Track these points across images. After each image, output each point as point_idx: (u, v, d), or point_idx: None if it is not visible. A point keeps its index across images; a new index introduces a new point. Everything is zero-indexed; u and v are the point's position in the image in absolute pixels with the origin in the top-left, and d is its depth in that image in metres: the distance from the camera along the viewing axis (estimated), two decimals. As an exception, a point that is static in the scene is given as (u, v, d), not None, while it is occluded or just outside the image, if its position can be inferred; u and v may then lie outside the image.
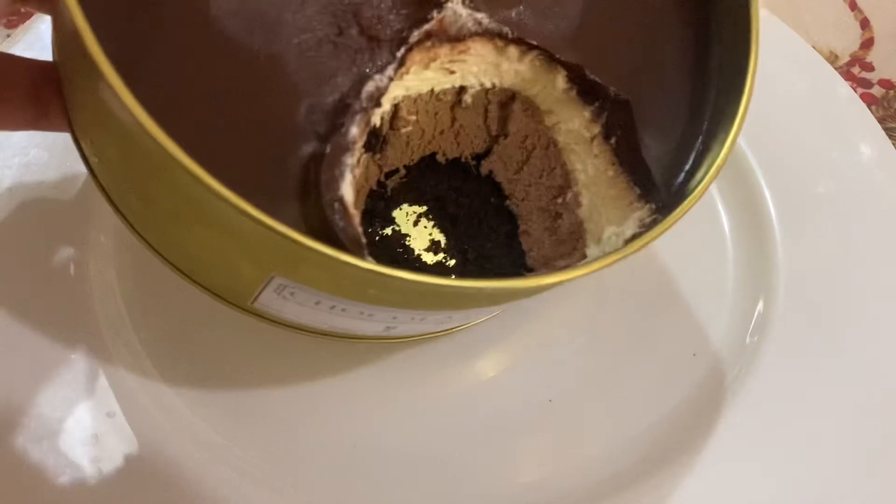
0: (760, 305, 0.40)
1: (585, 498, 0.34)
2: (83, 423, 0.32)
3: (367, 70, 0.25)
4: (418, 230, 0.33)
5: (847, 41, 0.55)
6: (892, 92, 0.53)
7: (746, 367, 0.38)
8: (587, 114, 0.29)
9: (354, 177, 0.23)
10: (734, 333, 0.39)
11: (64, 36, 0.23)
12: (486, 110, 0.31)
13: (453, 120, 0.31)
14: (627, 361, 0.37)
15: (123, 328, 0.35)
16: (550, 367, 0.37)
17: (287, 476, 0.33)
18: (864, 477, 0.35)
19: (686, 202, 0.25)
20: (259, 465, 0.33)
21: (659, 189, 0.27)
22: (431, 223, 0.33)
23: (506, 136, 0.32)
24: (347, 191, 0.23)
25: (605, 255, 0.25)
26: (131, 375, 0.34)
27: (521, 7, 0.28)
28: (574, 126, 0.30)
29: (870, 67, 0.54)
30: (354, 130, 0.24)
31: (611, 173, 0.29)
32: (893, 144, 0.44)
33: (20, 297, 0.34)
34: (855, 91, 0.47)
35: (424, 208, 0.34)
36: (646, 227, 0.27)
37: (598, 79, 0.28)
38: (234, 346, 0.35)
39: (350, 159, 0.23)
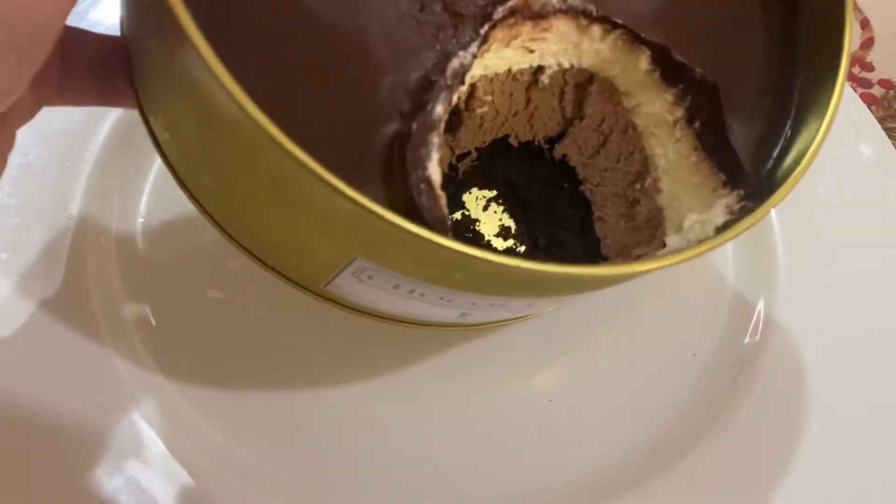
0: (760, 305, 0.40)
1: (586, 498, 0.34)
2: (83, 422, 0.32)
3: (451, 47, 0.24)
4: (488, 215, 0.32)
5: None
6: (892, 92, 0.53)
7: (746, 367, 0.38)
8: (670, 96, 0.28)
9: (440, 156, 0.22)
10: (734, 333, 0.39)
11: (141, 5, 0.22)
12: (563, 91, 0.30)
13: (528, 101, 0.30)
14: (627, 361, 0.38)
15: (123, 328, 0.35)
16: (551, 367, 0.37)
17: (289, 477, 0.33)
18: (865, 476, 0.35)
19: (782, 187, 0.24)
20: (261, 467, 0.33)
21: (747, 175, 0.26)
22: (501, 208, 0.33)
23: (581, 118, 0.31)
24: (434, 170, 0.22)
25: (698, 242, 0.24)
26: (131, 376, 0.34)
27: None
28: (655, 109, 0.29)
29: (870, 67, 0.54)
30: (440, 108, 0.23)
31: (693, 159, 0.28)
32: (893, 144, 0.44)
33: (20, 296, 0.34)
34: (855, 91, 0.48)
35: (495, 193, 0.33)
36: (735, 215, 0.26)
37: (683, 60, 0.27)
38: (236, 346, 0.35)
39: (436, 138, 0.22)
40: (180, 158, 0.25)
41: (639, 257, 0.30)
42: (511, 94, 0.30)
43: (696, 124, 0.28)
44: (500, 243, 0.32)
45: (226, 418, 0.34)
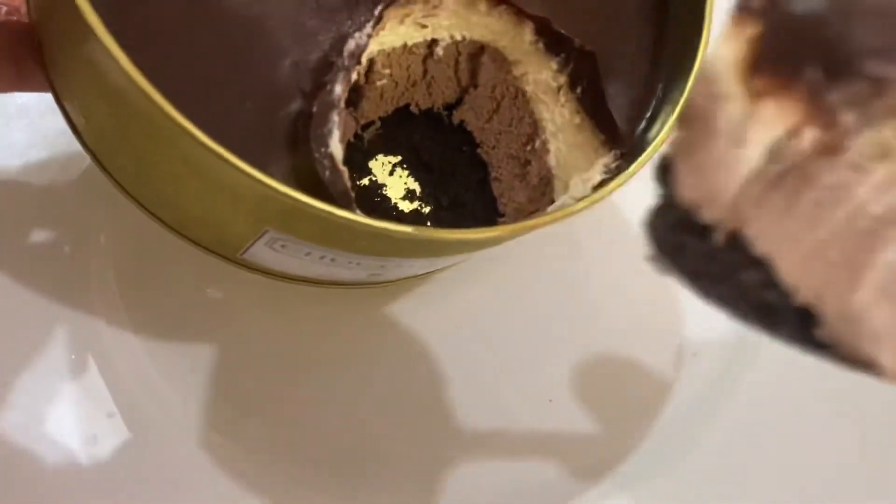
0: None
1: (586, 498, 0.34)
2: (82, 423, 0.33)
3: (347, 28, 0.26)
4: (394, 179, 0.35)
5: None
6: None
7: (746, 366, 0.38)
8: (554, 65, 0.30)
9: (341, 133, 0.25)
10: (734, 333, 0.39)
11: None
12: (457, 62, 0.32)
13: (425, 72, 0.32)
14: (627, 361, 0.38)
15: (123, 328, 0.35)
16: (550, 367, 0.37)
17: (289, 476, 0.34)
18: (865, 476, 0.36)
19: (649, 149, 0.27)
20: (261, 467, 0.34)
21: (622, 136, 0.29)
22: (406, 172, 0.35)
23: (476, 86, 0.33)
24: (336, 147, 0.24)
25: (574, 201, 0.27)
26: (131, 376, 0.34)
27: None
28: (541, 76, 0.31)
29: None
30: (339, 88, 0.25)
31: (577, 121, 0.31)
32: None
33: (19, 297, 0.34)
34: None
35: (399, 158, 0.35)
36: (611, 173, 0.28)
37: (564, 31, 0.29)
38: (236, 346, 0.36)
39: (336, 116, 0.24)
40: (97, 142, 0.27)
41: (531, 214, 0.32)
42: (408, 67, 0.32)
43: (578, 90, 0.30)
44: (406, 205, 0.34)
45: (225, 418, 0.34)
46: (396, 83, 0.32)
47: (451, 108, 0.34)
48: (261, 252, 0.26)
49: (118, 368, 0.34)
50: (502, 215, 0.34)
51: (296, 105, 0.25)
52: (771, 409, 0.37)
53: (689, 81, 0.28)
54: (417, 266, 0.29)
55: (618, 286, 0.39)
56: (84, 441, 0.32)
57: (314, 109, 0.24)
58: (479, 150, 0.34)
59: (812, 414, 0.37)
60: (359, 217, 0.21)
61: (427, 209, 0.34)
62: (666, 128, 0.28)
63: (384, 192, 0.34)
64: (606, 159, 0.29)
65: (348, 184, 0.24)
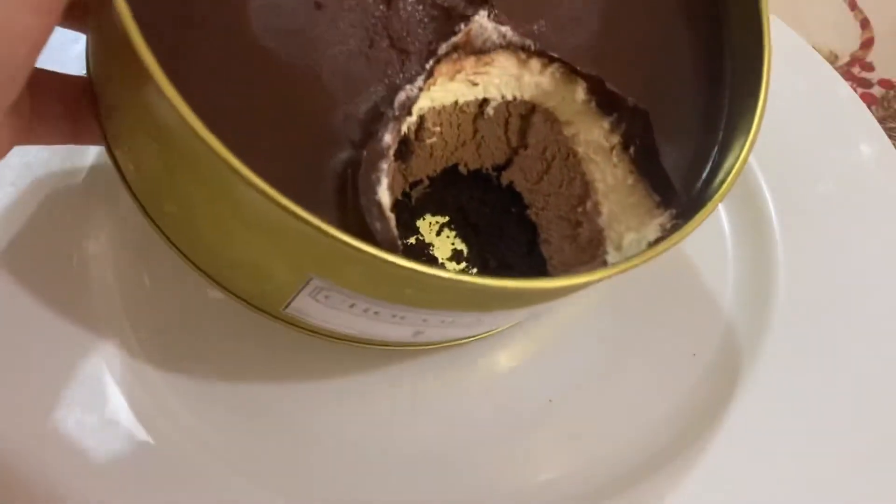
0: (761, 305, 0.40)
1: (586, 498, 0.34)
2: (83, 424, 0.32)
3: (398, 81, 0.26)
4: (441, 240, 0.34)
5: (847, 41, 0.55)
6: (892, 92, 0.54)
7: (746, 367, 0.38)
8: (606, 124, 0.30)
9: (389, 182, 0.24)
10: (734, 333, 0.39)
11: (107, 46, 0.24)
12: (507, 122, 0.32)
13: (475, 131, 0.32)
14: (627, 361, 0.37)
15: (123, 329, 0.35)
16: (550, 367, 0.37)
17: (289, 476, 0.33)
18: (865, 476, 0.35)
19: (707, 206, 0.26)
20: (259, 465, 0.33)
21: (678, 195, 0.28)
22: (454, 233, 0.34)
23: (526, 147, 0.33)
24: (384, 194, 0.24)
25: (628, 258, 0.26)
26: (131, 376, 0.34)
27: (543, 21, 0.29)
28: (593, 136, 0.31)
29: (870, 67, 0.55)
30: (388, 137, 0.25)
31: (630, 181, 0.30)
32: (893, 144, 0.44)
33: (19, 297, 0.34)
34: (855, 91, 0.48)
35: (447, 218, 0.34)
36: (668, 232, 0.28)
37: (616, 90, 0.29)
38: (235, 346, 0.35)
39: (385, 164, 0.24)
40: (144, 189, 0.27)
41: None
42: (459, 125, 0.31)
43: (631, 150, 0.30)
44: (453, 266, 0.34)
45: (226, 418, 0.34)
46: (446, 142, 0.32)
47: (499, 168, 0.34)
48: (305, 305, 0.26)
49: (118, 368, 0.33)
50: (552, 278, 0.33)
51: (345, 153, 0.24)
52: (771, 408, 0.36)
53: (749, 136, 0.27)
54: (461, 324, 0.28)
55: (617, 287, 0.37)
56: (85, 442, 0.32)
57: (364, 156, 0.24)
58: (528, 212, 0.34)
59: (812, 414, 0.36)
60: (403, 260, 0.21)
61: (474, 271, 0.34)
62: (724, 186, 0.27)
63: (431, 252, 0.34)
64: (662, 219, 0.28)
65: (395, 231, 0.23)
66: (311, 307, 0.26)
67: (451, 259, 0.34)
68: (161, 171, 0.25)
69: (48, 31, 0.18)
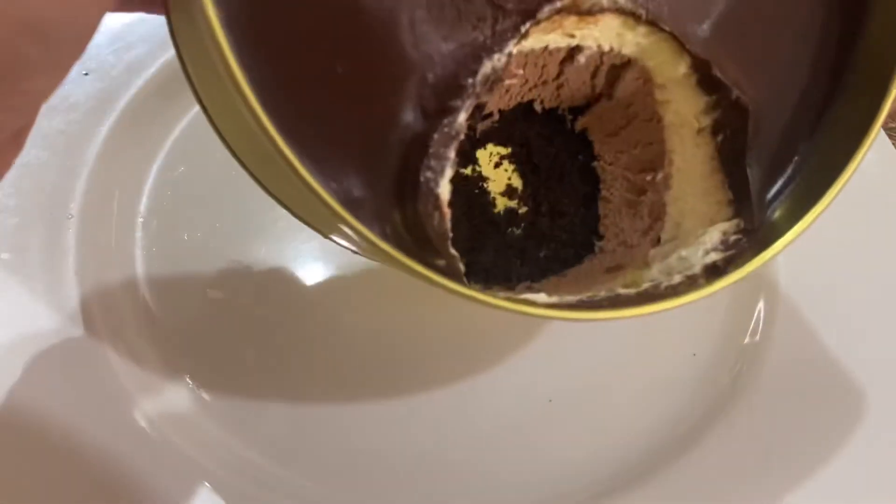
0: (760, 305, 0.40)
1: (586, 498, 0.34)
2: (81, 423, 0.33)
3: (488, 41, 0.24)
4: (498, 172, 0.32)
5: None
6: None
7: (746, 367, 0.38)
8: (702, 103, 0.27)
9: (454, 171, 0.23)
10: (734, 333, 0.39)
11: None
12: (597, 69, 0.29)
13: (560, 73, 0.29)
14: (627, 361, 0.38)
15: (123, 328, 0.35)
16: (550, 367, 0.37)
17: (286, 475, 0.34)
18: (865, 476, 0.35)
19: (778, 243, 0.25)
20: (260, 464, 0.34)
21: (751, 205, 0.27)
22: (513, 167, 0.33)
23: (610, 97, 0.30)
24: (445, 187, 0.22)
25: (682, 276, 0.25)
26: (130, 375, 0.34)
27: None
28: (685, 110, 0.28)
29: None
30: (462, 118, 0.23)
31: (708, 167, 0.28)
32: (893, 144, 0.43)
33: (20, 296, 0.34)
34: None
35: (509, 150, 0.33)
36: (728, 249, 0.26)
37: (722, 77, 0.26)
38: (235, 346, 0.36)
39: (452, 152, 0.22)
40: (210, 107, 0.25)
41: (632, 247, 0.30)
42: (544, 66, 0.29)
43: (719, 138, 0.27)
44: (503, 202, 0.32)
45: (225, 417, 0.34)
46: (526, 81, 0.29)
47: (576, 112, 0.31)
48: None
49: (117, 368, 0.34)
50: (601, 237, 0.32)
51: (414, 126, 0.23)
52: (771, 409, 0.37)
53: (842, 177, 0.25)
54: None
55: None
56: (86, 444, 0.32)
57: (434, 137, 0.22)
58: (594, 163, 0.32)
59: (812, 414, 0.37)
60: (459, 286, 0.20)
61: (523, 210, 0.33)
62: (803, 221, 0.25)
63: (484, 186, 0.32)
64: (727, 226, 0.27)
65: (448, 225, 0.22)
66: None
67: (503, 194, 0.32)
68: (216, 104, 0.23)
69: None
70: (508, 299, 0.21)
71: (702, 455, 0.35)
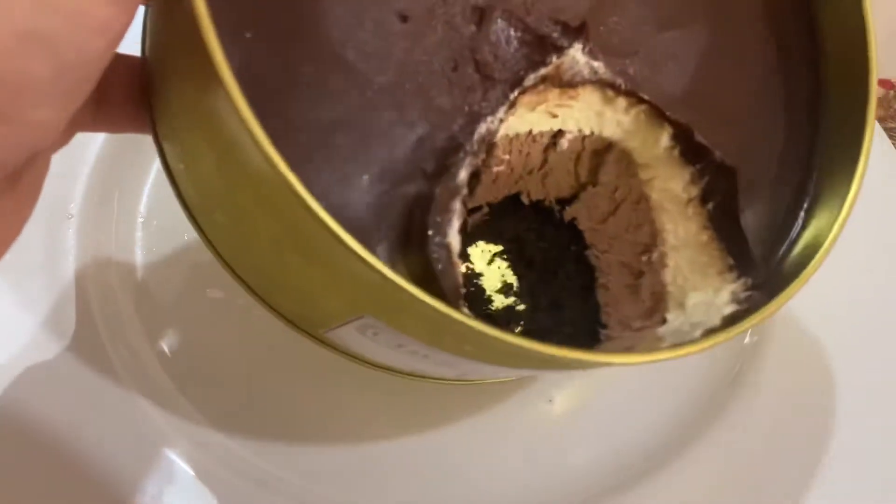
0: None
1: (586, 498, 0.34)
2: (78, 418, 0.32)
3: (480, 109, 0.24)
4: (491, 269, 0.32)
5: None
6: (892, 92, 0.54)
7: (746, 367, 0.38)
8: (687, 175, 0.28)
9: (461, 224, 0.22)
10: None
11: (172, 35, 0.22)
12: (580, 156, 0.30)
13: (544, 162, 0.30)
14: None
15: (122, 328, 0.35)
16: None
17: (285, 475, 0.33)
18: (865, 476, 0.35)
19: (792, 285, 0.24)
20: (257, 464, 0.33)
21: (755, 264, 0.26)
22: (506, 264, 0.32)
23: (595, 184, 0.31)
24: (454, 237, 0.22)
25: (700, 326, 0.25)
26: (129, 375, 0.34)
27: (637, 58, 0.27)
28: (671, 185, 0.29)
29: None
30: (463, 174, 0.23)
31: (703, 238, 0.28)
32: (893, 144, 0.44)
33: (20, 296, 0.34)
34: None
35: (501, 248, 0.32)
36: (741, 304, 0.26)
37: (705, 142, 0.27)
38: (235, 346, 0.36)
39: (458, 205, 0.22)
40: (193, 192, 0.25)
41: (638, 330, 0.30)
42: (528, 154, 0.29)
43: (710, 206, 0.28)
44: (500, 300, 0.32)
45: (224, 417, 0.34)
46: (512, 169, 0.30)
47: (564, 203, 0.32)
48: (349, 335, 0.24)
49: (116, 367, 0.34)
50: (604, 326, 0.31)
51: (416, 185, 0.22)
52: (771, 409, 0.37)
53: (843, 211, 0.26)
54: (512, 374, 0.27)
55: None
56: (81, 437, 0.32)
57: (436, 193, 0.22)
58: (588, 252, 0.32)
59: (812, 414, 0.37)
60: (471, 320, 0.19)
61: (521, 307, 0.32)
62: (812, 263, 0.25)
63: (479, 283, 0.32)
64: (735, 286, 0.26)
65: (460, 279, 0.22)
66: (355, 339, 0.24)
67: (499, 291, 0.32)
68: (216, 181, 0.23)
69: (127, 24, 0.17)
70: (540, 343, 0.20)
71: (701, 455, 0.36)
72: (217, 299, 0.36)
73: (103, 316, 0.35)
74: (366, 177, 0.22)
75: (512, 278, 0.32)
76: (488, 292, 0.32)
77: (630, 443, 0.36)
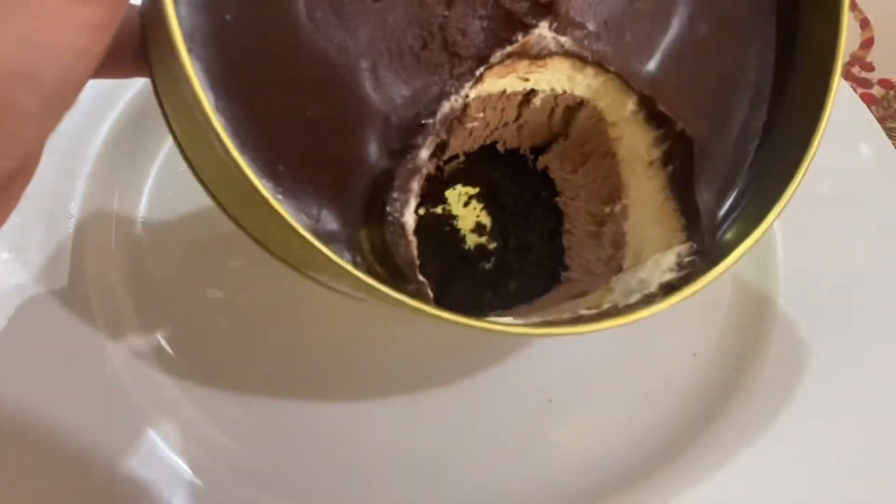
0: (761, 305, 0.40)
1: (585, 498, 0.34)
2: (79, 419, 0.33)
3: (446, 87, 0.26)
4: (467, 211, 0.34)
5: (847, 41, 0.56)
6: (892, 92, 0.53)
7: (746, 367, 0.38)
8: (650, 138, 0.29)
9: (418, 202, 0.24)
10: (734, 333, 0.39)
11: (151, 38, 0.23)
12: (553, 111, 0.32)
13: (518, 115, 0.32)
14: (627, 361, 0.38)
15: (122, 328, 0.35)
16: (550, 367, 0.37)
17: (286, 476, 0.34)
18: (865, 477, 0.36)
19: (728, 260, 0.27)
20: (258, 465, 0.34)
21: (702, 229, 0.28)
22: (481, 206, 0.35)
23: (567, 136, 0.32)
24: (409, 217, 0.24)
25: (640, 295, 0.27)
26: (129, 375, 0.34)
27: (605, 33, 0.28)
28: (635, 145, 0.30)
29: (870, 67, 0.54)
30: (424, 154, 0.24)
31: (661, 198, 0.30)
32: (893, 144, 0.44)
33: (20, 296, 0.34)
34: (855, 91, 0.47)
35: (476, 190, 0.35)
36: (683, 269, 0.28)
37: (667, 112, 0.28)
38: (235, 346, 0.36)
39: (416, 185, 0.24)
40: (188, 149, 0.27)
41: (597, 276, 0.32)
42: (503, 109, 0.31)
43: (669, 169, 0.29)
44: (473, 238, 0.34)
45: (224, 417, 0.35)
46: (487, 123, 0.31)
47: (537, 152, 0.33)
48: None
49: (117, 367, 0.34)
50: (567, 268, 0.33)
51: (380, 162, 0.24)
52: (771, 409, 0.37)
53: (787, 193, 0.27)
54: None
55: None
56: (83, 435, 0.33)
57: (397, 173, 0.24)
58: (557, 199, 0.34)
59: (812, 414, 0.37)
60: (414, 301, 0.22)
61: (492, 246, 0.34)
62: (749, 239, 0.27)
63: (454, 223, 0.34)
64: (682, 248, 0.28)
65: (415, 253, 0.24)
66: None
67: (473, 231, 0.34)
68: (191, 135, 0.25)
69: (106, 43, 0.18)
70: (475, 318, 0.23)
71: (701, 455, 0.35)
72: (217, 299, 0.36)
73: (103, 315, 0.35)
74: (332, 151, 0.24)
75: (486, 219, 0.34)
76: (462, 232, 0.34)
77: (630, 443, 0.36)
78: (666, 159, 0.29)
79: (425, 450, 0.35)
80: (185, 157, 0.27)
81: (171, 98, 0.25)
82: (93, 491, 0.32)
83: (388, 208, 0.24)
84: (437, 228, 0.34)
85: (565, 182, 0.33)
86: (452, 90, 0.26)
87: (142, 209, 0.39)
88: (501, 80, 0.28)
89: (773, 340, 0.39)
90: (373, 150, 0.25)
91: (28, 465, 0.32)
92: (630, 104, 0.29)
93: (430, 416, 0.36)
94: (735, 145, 0.29)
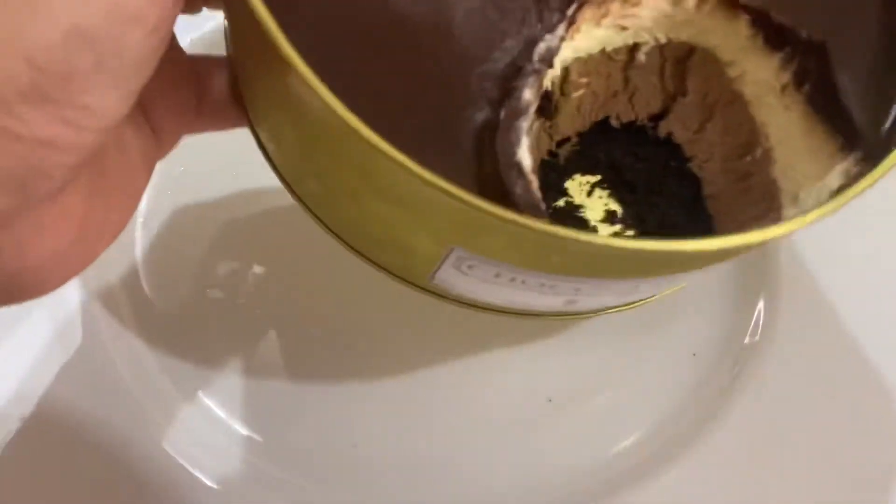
0: (760, 305, 0.40)
1: (585, 498, 0.34)
2: (79, 415, 0.33)
3: (537, 32, 0.24)
4: (592, 200, 0.32)
5: None
6: None
7: (746, 367, 0.38)
8: (775, 61, 0.27)
9: (531, 141, 0.22)
10: (734, 333, 0.39)
11: (239, 23, 0.23)
12: (663, 68, 0.29)
13: (626, 81, 0.29)
14: (627, 361, 0.38)
15: (123, 328, 0.35)
16: (550, 367, 0.37)
17: (287, 475, 0.34)
18: (865, 477, 0.35)
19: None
20: (259, 465, 0.34)
21: (865, 136, 0.25)
22: (606, 192, 0.32)
23: (685, 93, 0.30)
24: (525, 155, 0.22)
25: (807, 211, 0.23)
26: (130, 374, 0.34)
27: None
28: (761, 76, 0.27)
29: None
30: (528, 93, 0.23)
31: (806, 124, 0.27)
32: None
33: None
34: None
35: (598, 177, 0.32)
36: (853, 179, 0.24)
37: (785, 21, 0.25)
38: (235, 346, 0.36)
39: (525, 123, 0.22)
40: (287, 165, 0.27)
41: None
42: (608, 75, 0.29)
43: (806, 88, 0.26)
44: (606, 229, 0.31)
45: (224, 416, 0.34)
46: (595, 94, 0.29)
47: (656, 119, 0.31)
48: (449, 276, 0.25)
49: (117, 367, 0.34)
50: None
51: (482, 115, 0.23)
52: (771, 409, 0.37)
53: None
54: (615, 290, 0.26)
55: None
56: (82, 432, 0.33)
57: (501, 116, 0.22)
58: (689, 165, 0.31)
59: (812, 414, 0.37)
60: (544, 225, 0.19)
61: (630, 233, 0.31)
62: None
63: (581, 215, 0.31)
64: (846, 164, 0.25)
65: (538, 195, 0.22)
66: (456, 278, 0.25)
67: (603, 221, 0.31)
68: (299, 148, 0.24)
69: (164, 16, 0.18)
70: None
71: (701, 455, 0.36)
72: (217, 299, 0.37)
73: (104, 315, 0.35)
74: (431, 113, 0.23)
75: (615, 206, 0.32)
76: (592, 223, 0.31)
77: (630, 443, 0.36)
78: (799, 79, 0.26)
79: (424, 449, 0.36)
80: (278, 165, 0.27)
81: (272, 116, 0.25)
82: (93, 491, 0.32)
83: (498, 153, 0.22)
84: (563, 223, 0.31)
85: (694, 144, 0.30)
86: (546, 33, 0.24)
87: (142, 209, 0.39)
88: (598, 31, 0.27)
89: (773, 340, 0.38)
90: (472, 105, 0.23)
91: (27, 465, 0.32)
92: (743, 29, 0.26)
93: (429, 416, 0.36)
94: (877, 26, 0.25)
